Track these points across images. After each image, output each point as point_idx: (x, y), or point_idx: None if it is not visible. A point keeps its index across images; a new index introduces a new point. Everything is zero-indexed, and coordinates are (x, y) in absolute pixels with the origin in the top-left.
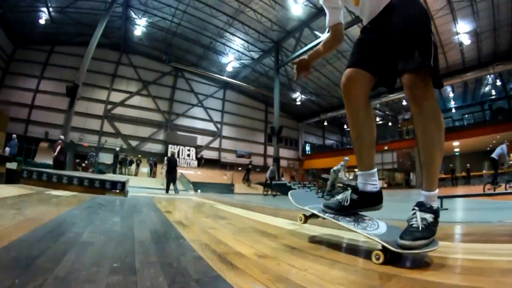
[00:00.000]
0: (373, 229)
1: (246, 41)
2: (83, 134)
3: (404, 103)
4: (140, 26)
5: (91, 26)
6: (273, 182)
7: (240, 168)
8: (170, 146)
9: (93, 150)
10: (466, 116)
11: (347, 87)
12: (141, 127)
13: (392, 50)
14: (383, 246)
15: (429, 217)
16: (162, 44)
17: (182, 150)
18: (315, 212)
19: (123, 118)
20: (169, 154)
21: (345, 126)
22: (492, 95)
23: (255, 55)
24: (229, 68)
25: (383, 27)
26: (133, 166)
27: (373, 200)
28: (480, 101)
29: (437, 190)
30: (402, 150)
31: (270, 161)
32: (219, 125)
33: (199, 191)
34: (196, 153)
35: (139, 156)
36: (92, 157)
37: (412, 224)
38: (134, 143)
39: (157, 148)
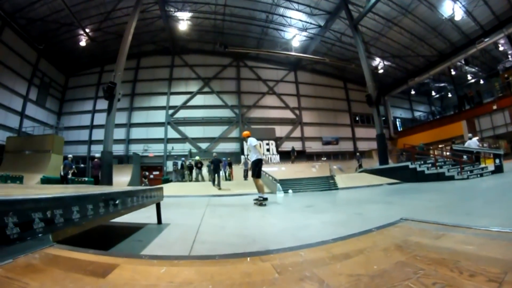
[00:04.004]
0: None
1: (307, 5)
2: (147, 144)
3: (501, 48)
4: (184, 20)
5: (133, 35)
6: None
7: (325, 158)
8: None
9: (179, 157)
10: None
11: None
12: (210, 127)
13: None
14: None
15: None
16: (214, 34)
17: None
18: None
19: (188, 121)
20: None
21: (433, 93)
22: None
23: (321, 22)
24: (295, 43)
25: None
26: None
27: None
28: None
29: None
30: None
31: (360, 144)
32: (297, 111)
33: (290, 191)
34: (277, 146)
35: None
36: (177, 163)
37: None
38: (204, 145)
39: (231, 147)
